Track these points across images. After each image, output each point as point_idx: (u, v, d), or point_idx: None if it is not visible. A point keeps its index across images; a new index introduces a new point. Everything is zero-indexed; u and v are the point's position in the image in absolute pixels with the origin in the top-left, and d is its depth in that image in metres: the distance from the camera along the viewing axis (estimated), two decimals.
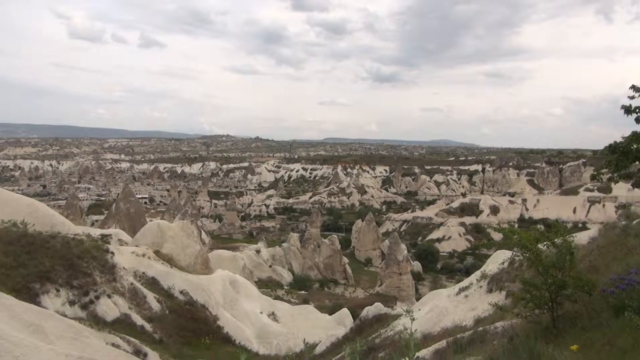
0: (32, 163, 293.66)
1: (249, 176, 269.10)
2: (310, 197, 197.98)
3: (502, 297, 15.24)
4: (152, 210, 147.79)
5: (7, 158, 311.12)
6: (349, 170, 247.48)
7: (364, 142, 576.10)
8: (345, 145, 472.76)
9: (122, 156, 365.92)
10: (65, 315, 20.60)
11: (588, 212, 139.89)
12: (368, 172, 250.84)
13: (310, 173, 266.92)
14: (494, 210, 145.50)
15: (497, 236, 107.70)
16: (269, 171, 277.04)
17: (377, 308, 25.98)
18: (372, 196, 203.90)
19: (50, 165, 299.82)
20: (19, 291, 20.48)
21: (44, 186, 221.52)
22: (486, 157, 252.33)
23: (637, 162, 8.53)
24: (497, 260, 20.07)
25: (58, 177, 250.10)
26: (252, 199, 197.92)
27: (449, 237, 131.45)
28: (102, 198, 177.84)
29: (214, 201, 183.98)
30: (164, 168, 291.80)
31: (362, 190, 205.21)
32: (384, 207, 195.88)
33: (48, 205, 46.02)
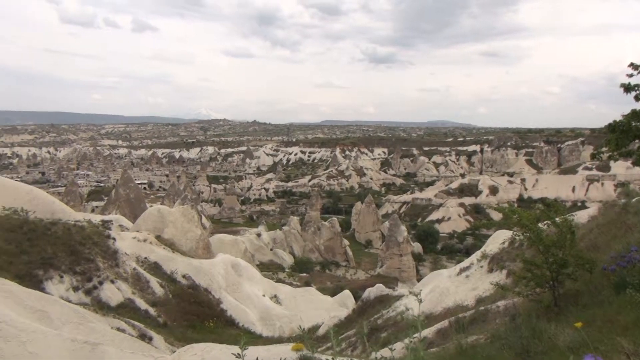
0: (29, 150, 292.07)
1: (248, 160, 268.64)
2: (309, 180, 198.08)
3: (503, 277, 15.36)
4: (152, 196, 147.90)
5: (4, 146, 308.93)
6: (347, 152, 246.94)
7: (362, 124, 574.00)
8: (342, 127, 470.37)
9: (120, 142, 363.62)
10: (70, 301, 20.76)
11: (587, 190, 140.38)
12: (366, 154, 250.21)
13: (308, 156, 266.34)
14: (493, 190, 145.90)
15: (496, 216, 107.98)
16: (268, 155, 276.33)
17: (379, 289, 26.14)
18: (371, 178, 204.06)
19: (48, 152, 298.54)
20: (22, 278, 20.62)
21: (43, 173, 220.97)
22: (484, 138, 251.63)
23: (636, 140, 8.54)
24: (498, 240, 20.16)
25: (56, 164, 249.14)
26: (252, 183, 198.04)
27: (449, 218, 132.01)
28: (102, 184, 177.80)
29: (213, 185, 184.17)
30: (162, 153, 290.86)
31: (360, 172, 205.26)
32: (383, 189, 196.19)
33: (47, 192, 45.99)
